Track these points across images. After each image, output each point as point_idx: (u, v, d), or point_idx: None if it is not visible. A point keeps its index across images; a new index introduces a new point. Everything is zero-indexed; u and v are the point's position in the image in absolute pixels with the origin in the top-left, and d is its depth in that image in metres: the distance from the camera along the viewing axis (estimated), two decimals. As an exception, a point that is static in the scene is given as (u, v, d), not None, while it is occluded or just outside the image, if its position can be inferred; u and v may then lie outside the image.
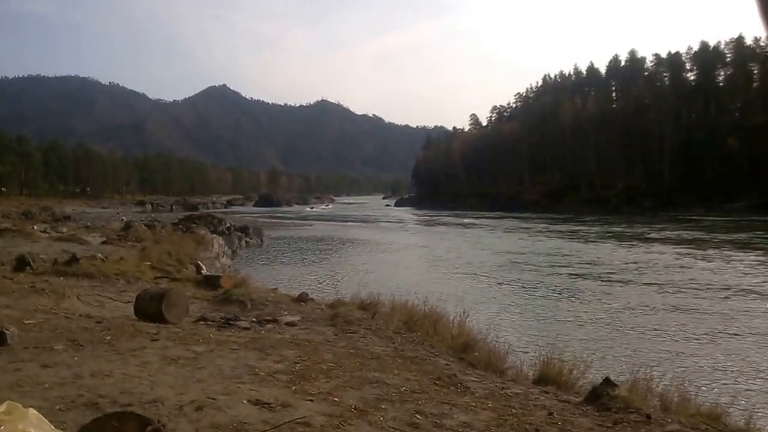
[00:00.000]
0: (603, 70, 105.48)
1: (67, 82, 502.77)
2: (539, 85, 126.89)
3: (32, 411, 2.98)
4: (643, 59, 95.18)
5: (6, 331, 5.74)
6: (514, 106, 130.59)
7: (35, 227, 30.87)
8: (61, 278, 11.34)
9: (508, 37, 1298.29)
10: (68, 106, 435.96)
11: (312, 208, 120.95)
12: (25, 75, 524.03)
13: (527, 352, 9.59)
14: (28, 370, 4.77)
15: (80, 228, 32.77)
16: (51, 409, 3.69)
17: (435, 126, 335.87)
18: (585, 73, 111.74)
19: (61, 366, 4.93)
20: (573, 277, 21.07)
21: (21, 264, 12.68)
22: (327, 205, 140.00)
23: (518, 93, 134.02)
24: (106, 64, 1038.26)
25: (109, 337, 6.27)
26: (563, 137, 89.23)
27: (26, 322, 7.00)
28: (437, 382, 5.51)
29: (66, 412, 3.74)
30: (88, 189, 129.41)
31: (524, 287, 19.15)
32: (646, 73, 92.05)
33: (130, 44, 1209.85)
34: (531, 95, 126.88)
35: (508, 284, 19.86)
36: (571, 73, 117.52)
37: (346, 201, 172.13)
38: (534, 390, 5.91)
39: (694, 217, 53.23)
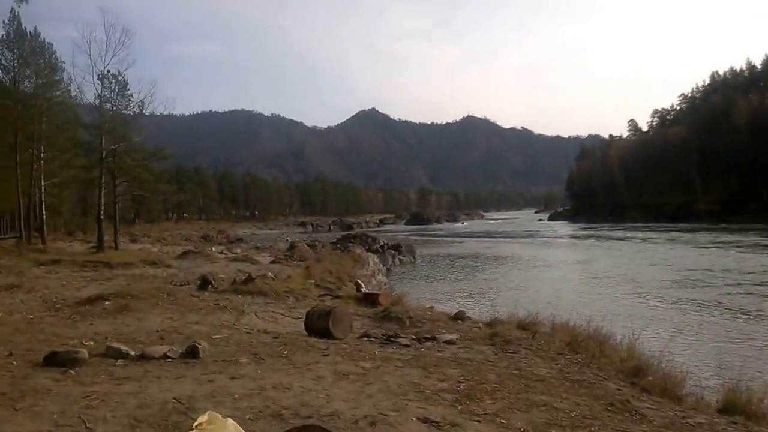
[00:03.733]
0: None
1: (235, 116, 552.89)
2: (707, 84, 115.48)
3: (231, 421, 3.30)
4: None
5: (198, 346, 6.43)
6: (678, 108, 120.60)
7: (213, 249, 34.37)
8: (239, 296, 12.42)
9: (668, 32, 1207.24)
10: (236, 138, 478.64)
11: (463, 223, 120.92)
12: (199, 112, 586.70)
13: (707, 378, 8.85)
14: (220, 381, 5.26)
15: (251, 249, 35.87)
16: (242, 418, 4.03)
17: (589, 135, 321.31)
18: (760, 67, 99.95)
19: (247, 378, 5.38)
20: (758, 296, 18.83)
21: (204, 283, 14.12)
22: (492, 219, 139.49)
23: (682, 94, 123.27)
24: (268, 98, 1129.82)
25: (285, 352, 6.75)
26: (738, 140, 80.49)
27: (214, 337, 7.77)
28: (609, 408, 5.23)
29: (255, 422, 4.07)
30: (256, 212, 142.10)
31: (701, 306, 17.47)
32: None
33: (287, 77, 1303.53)
34: (698, 95, 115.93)
35: (682, 303, 18.23)
36: (743, 68, 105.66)
37: (496, 216, 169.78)
38: (720, 420, 5.43)
39: None
